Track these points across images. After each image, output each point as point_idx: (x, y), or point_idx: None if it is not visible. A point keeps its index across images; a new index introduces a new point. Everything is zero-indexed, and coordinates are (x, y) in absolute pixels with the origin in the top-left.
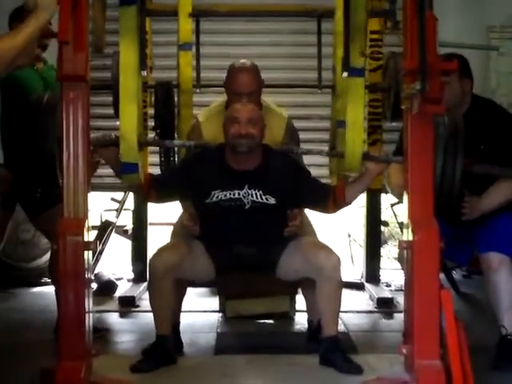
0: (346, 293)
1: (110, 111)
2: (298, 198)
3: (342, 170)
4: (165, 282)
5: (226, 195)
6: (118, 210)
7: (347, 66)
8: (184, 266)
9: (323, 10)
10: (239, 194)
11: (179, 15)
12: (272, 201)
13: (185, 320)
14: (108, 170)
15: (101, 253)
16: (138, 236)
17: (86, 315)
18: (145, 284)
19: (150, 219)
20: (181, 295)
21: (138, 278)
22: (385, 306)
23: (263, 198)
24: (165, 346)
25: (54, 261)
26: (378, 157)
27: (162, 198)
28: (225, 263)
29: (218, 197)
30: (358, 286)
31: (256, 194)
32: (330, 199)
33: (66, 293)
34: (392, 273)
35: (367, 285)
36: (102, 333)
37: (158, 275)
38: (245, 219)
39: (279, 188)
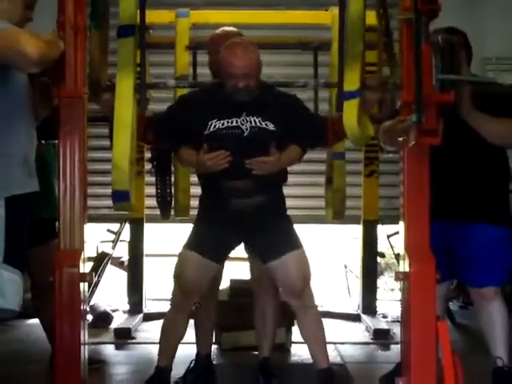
0: (342, 324)
1: (107, 142)
2: (295, 130)
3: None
4: (183, 314)
5: (223, 124)
6: (114, 242)
7: (341, 92)
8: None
9: (319, 42)
10: (237, 122)
11: (176, 48)
12: (271, 127)
13: (180, 352)
14: (103, 202)
15: (96, 284)
16: (134, 267)
17: (82, 347)
18: (140, 315)
19: (145, 251)
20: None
21: (134, 310)
22: (381, 337)
23: (262, 123)
24: (165, 378)
25: (43, 293)
26: (375, 85)
27: (159, 137)
28: (218, 231)
29: (215, 126)
30: (355, 318)
31: (255, 120)
32: (329, 131)
33: (62, 324)
34: (388, 304)
35: (364, 316)
36: (98, 365)
37: (181, 301)
38: (244, 147)
39: (277, 115)
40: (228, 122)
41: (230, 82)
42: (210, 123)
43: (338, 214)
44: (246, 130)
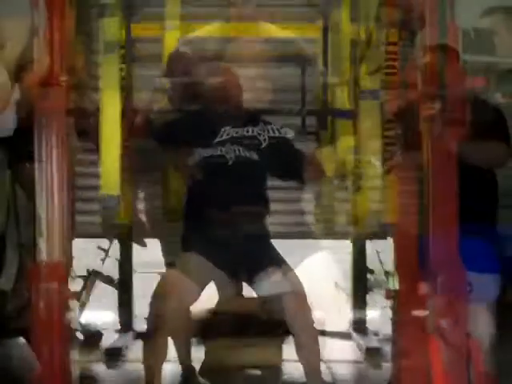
0: (333, 342)
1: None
2: (276, 161)
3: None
4: (161, 338)
5: (207, 152)
6: (103, 259)
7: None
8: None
9: (307, 56)
10: (221, 151)
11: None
12: (254, 156)
13: (169, 369)
14: (92, 218)
15: (86, 302)
16: (124, 285)
17: (70, 366)
18: (131, 333)
19: (135, 268)
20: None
21: (124, 328)
22: (372, 355)
23: (245, 152)
24: None
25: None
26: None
27: (146, 163)
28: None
29: (200, 155)
30: (346, 336)
31: (238, 149)
32: (307, 169)
33: (49, 343)
34: (380, 321)
35: (354, 334)
36: (88, 381)
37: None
38: (229, 176)
39: (260, 144)
40: (212, 151)
41: (214, 119)
42: (195, 151)
43: (327, 230)
44: (231, 159)
